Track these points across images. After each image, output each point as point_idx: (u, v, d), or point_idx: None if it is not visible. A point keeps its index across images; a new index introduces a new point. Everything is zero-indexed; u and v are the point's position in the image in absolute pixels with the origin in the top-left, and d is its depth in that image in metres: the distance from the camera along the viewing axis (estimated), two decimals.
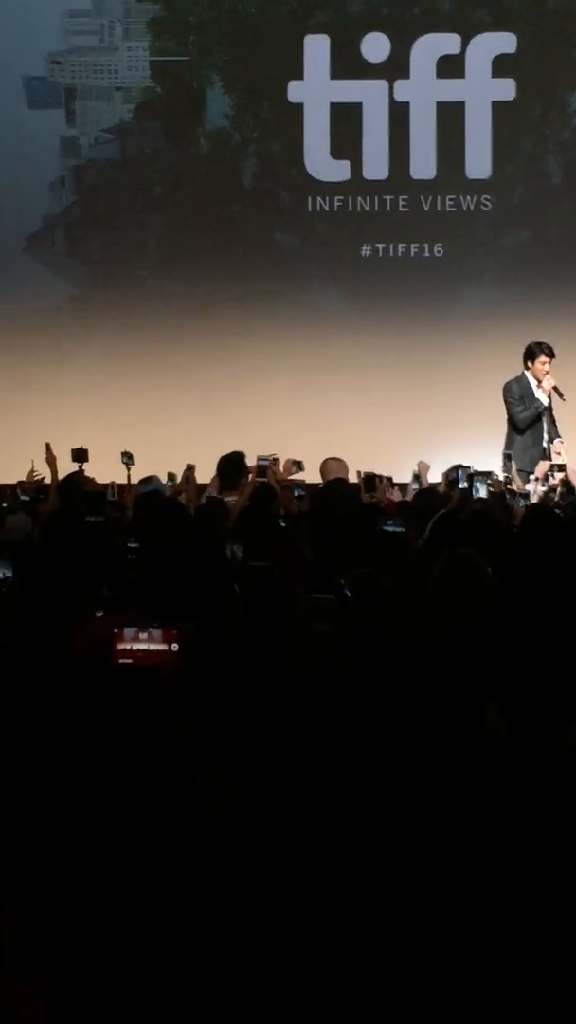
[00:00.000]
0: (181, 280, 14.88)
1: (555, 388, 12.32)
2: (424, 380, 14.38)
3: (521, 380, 12.50)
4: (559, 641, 4.64)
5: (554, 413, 12.44)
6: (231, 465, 10.89)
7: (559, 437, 12.20)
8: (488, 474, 10.29)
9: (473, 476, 9.79)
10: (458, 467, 10.28)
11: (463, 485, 9.76)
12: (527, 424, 12.28)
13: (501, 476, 11.08)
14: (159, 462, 11.45)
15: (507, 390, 12.53)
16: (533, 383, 12.41)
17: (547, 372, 12.35)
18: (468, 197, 14.82)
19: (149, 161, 15.17)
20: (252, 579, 5.54)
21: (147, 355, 14.68)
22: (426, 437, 13.48)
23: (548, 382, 12.32)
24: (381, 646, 4.85)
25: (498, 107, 14.74)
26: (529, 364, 12.46)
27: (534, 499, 10.51)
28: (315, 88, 14.91)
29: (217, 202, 15.03)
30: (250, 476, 10.42)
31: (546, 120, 14.86)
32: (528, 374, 12.45)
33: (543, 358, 12.38)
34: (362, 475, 10.51)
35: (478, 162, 14.79)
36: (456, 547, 5.91)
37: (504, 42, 14.72)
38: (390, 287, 14.73)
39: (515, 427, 12.36)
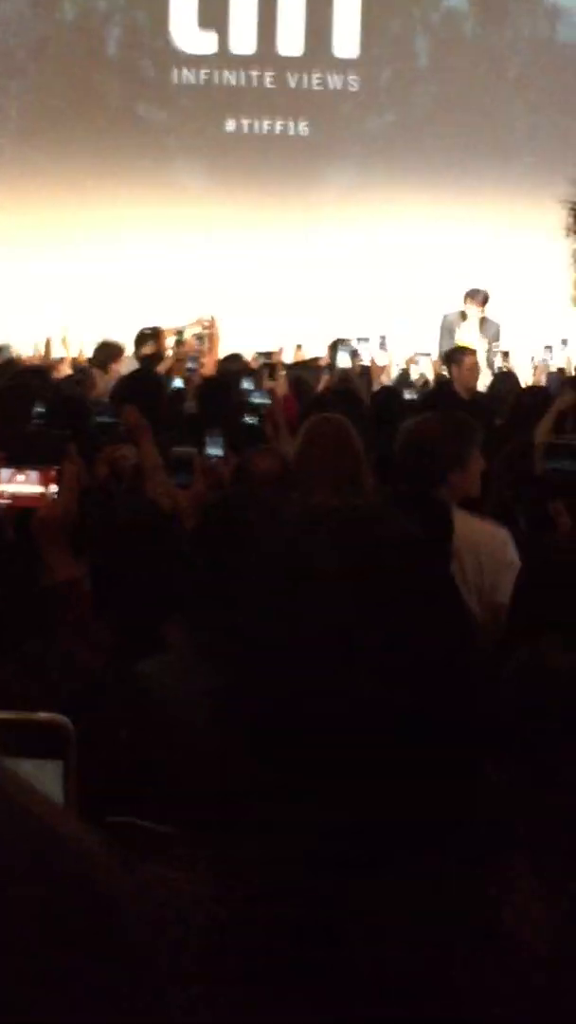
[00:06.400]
0: (41, 148, 14.60)
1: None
2: (284, 259, 14.30)
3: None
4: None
5: None
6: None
7: None
8: (346, 343, 10.55)
9: (333, 345, 9.98)
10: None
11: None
12: None
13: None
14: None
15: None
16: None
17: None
18: (335, 76, 14.70)
19: (10, 25, 14.81)
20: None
21: (5, 223, 14.40)
22: (293, 316, 13.44)
23: None
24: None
25: None
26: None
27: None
28: None
29: (80, 71, 14.73)
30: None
31: (415, 0, 14.75)
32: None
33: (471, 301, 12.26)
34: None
35: (346, 41, 14.67)
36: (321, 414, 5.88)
37: None
38: (254, 163, 14.60)
39: None
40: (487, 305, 12.28)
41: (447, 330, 12.14)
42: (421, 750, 1.43)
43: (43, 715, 1.54)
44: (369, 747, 1.41)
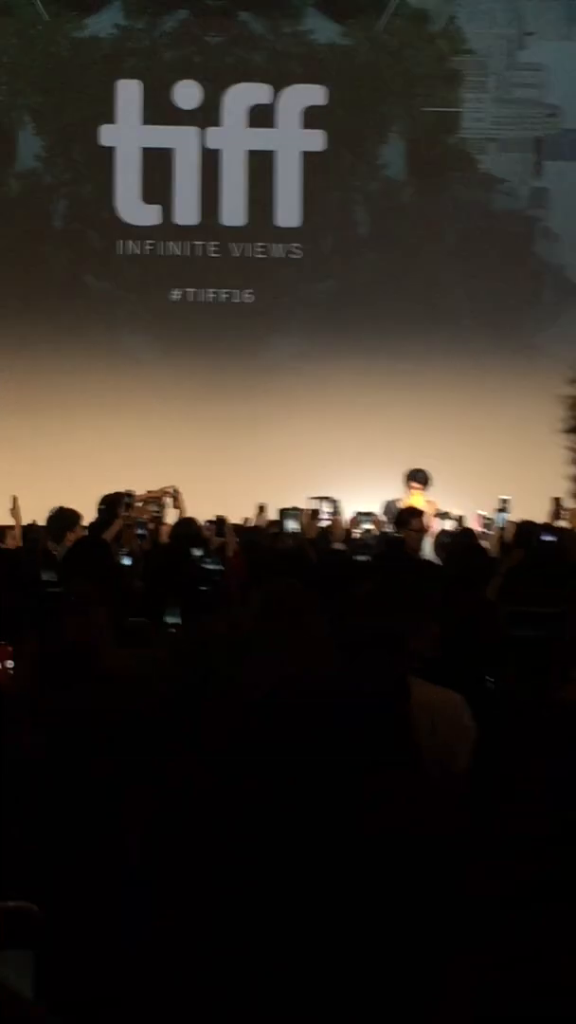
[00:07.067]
0: None
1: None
2: (233, 424, 14.46)
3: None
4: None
5: None
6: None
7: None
8: (296, 510, 10.59)
9: (283, 512, 10.02)
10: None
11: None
12: None
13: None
14: None
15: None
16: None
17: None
18: (278, 245, 15.00)
19: None
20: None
21: None
22: (242, 479, 13.54)
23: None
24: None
25: (308, 157, 14.96)
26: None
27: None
28: (127, 132, 14.98)
29: (26, 244, 14.96)
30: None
31: (355, 172, 15.12)
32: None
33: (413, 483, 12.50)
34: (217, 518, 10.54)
35: (287, 210, 14.99)
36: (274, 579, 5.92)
37: (315, 94, 14.97)
38: (199, 332, 14.81)
39: None
40: (428, 485, 12.47)
41: (390, 514, 12.15)
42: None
43: (10, 903, 1.53)
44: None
